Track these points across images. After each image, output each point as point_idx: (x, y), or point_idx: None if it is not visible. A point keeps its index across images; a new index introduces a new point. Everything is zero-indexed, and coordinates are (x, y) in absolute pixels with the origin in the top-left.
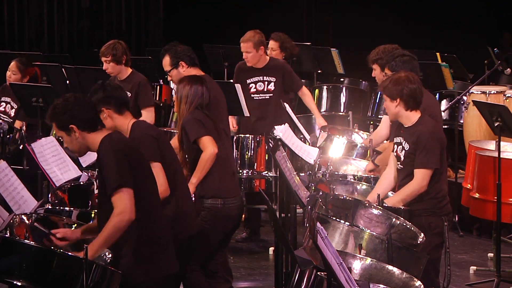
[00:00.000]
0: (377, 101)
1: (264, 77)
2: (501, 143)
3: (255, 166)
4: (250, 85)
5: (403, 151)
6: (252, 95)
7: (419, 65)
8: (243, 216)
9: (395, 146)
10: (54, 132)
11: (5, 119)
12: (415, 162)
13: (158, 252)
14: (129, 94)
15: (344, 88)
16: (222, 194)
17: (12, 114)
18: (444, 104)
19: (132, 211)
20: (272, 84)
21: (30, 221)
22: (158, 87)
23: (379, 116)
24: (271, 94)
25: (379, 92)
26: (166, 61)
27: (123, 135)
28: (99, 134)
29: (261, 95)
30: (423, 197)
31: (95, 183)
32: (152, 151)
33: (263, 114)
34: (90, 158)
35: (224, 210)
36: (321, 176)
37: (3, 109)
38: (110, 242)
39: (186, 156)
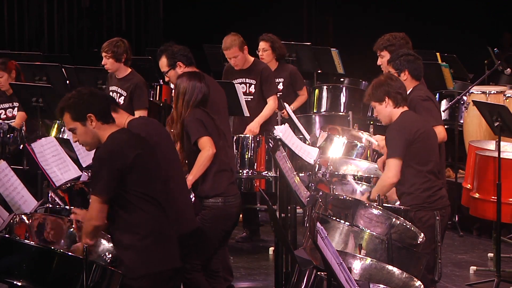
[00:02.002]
0: None
1: (246, 79)
2: (501, 143)
3: (255, 166)
4: None
5: None
6: None
7: None
8: (242, 216)
9: None
10: (54, 132)
11: (9, 123)
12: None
13: (161, 245)
14: (124, 93)
15: (344, 88)
16: (223, 193)
17: (16, 113)
18: (444, 104)
19: (97, 219)
20: (253, 86)
21: (30, 221)
22: (158, 87)
23: None
24: (252, 97)
25: None
26: (163, 62)
27: (130, 134)
28: (109, 128)
29: (244, 97)
30: (409, 192)
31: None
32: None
33: (246, 117)
34: (90, 158)
35: (225, 208)
36: (321, 176)
37: (4, 116)
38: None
39: (186, 156)
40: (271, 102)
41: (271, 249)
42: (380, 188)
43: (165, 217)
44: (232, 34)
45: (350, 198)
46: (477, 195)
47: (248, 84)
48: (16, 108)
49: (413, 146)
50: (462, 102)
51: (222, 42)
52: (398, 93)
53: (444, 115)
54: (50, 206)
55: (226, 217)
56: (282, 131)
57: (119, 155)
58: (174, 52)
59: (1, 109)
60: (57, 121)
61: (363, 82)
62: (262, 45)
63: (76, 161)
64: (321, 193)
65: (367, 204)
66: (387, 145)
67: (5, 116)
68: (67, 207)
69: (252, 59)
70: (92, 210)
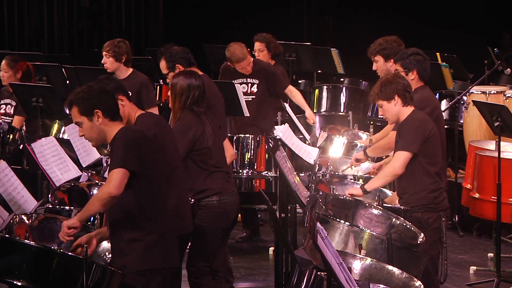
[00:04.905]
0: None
1: (248, 79)
2: (501, 143)
3: (255, 166)
4: None
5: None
6: None
7: None
8: (241, 216)
9: None
10: (54, 132)
11: (6, 119)
12: (396, 147)
13: (167, 243)
14: (129, 92)
15: (344, 88)
16: (218, 192)
17: (12, 112)
18: (444, 104)
19: (118, 188)
20: (255, 86)
21: (30, 221)
22: (158, 87)
23: (379, 116)
24: (254, 97)
25: None
26: (163, 65)
27: (141, 128)
28: (117, 125)
29: (244, 97)
30: (415, 192)
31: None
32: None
33: (245, 117)
34: (90, 158)
35: (221, 206)
36: (321, 176)
37: (3, 111)
38: (91, 210)
39: None
40: (293, 90)
41: (271, 249)
42: (383, 178)
43: (168, 215)
44: (237, 44)
45: (350, 198)
46: (477, 195)
47: (250, 84)
48: (13, 107)
49: (426, 144)
50: (462, 102)
51: (230, 54)
52: (407, 91)
53: (444, 115)
54: (50, 206)
55: (223, 215)
56: (282, 131)
57: (134, 134)
58: (172, 54)
59: (3, 104)
60: (57, 121)
61: (363, 82)
62: (257, 45)
63: (76, 161)
64: (321, 193)
65: (367, 204)
66: (402, 137)
67: (4, 111)
68: (67, 207)
69: (251, 60)
70: (112, 180)
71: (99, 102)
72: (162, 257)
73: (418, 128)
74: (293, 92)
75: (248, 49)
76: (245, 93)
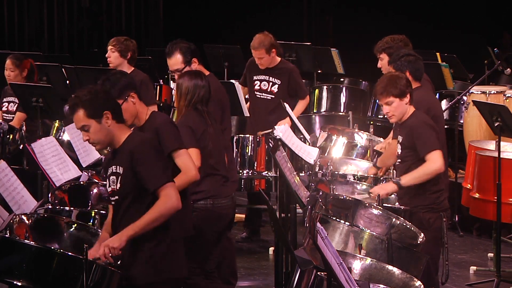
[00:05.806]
0: (377, 101)
1: (270, 78)
2: (501, 143)
3: (255, 166)
4: (255, 82)
5: (399, 145)
6: (255, 92)
7: None
8: (246, 216)
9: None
10: (54, 132)
11: (7, 117)
12: (420, 152)
13: (171, 253)
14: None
15: (344, 88)
16: (212, 195)
17: (14, 110)
18: (444, 104)
19: (179, 201)
20: (276, 86)
21: (30, 221)
22: (158, 87)
23: (379, 116)
24: (273, 96)
25: None
26: (178, 59)
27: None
28: (123, 129)
29: (263, 94)
30: (418, 192)
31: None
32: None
33: (262, 114)
34: (90, 158)
35: (215, 210)
36: (321, 176)
37: (6, 109)
38: (151, 227)
39: None
40: (306, 101)
41: (271, 249)
42: (427, 173)
43: (175, 222)
44: (263, 34)
45: (350, 198)
46: (477, 195)
47: (271, 83)
48: (16, 105)
49: None
50: (462, 102)
51: (252, 40)
52: (412, 89)
53: (444, 115)
54: (50, 206)
55: (217, 218)
56: (282, 131)
57: (154, 141)
58: (189, 47)
59: (5, 102)
60: (57, 121)
61: (363, 82)
62: None
63: (76, 161)
64: (321, 193)
65: (367, 204)
66: (420, 142)
67: (6, 109)
68: (67, 207)
69: (278, 58)
70: (170, 195)
71: (107, 104)
72: (170, 268)
73: (431, 127)
74: (303, 102)
75: (274, 49)
76: (264, 91)
